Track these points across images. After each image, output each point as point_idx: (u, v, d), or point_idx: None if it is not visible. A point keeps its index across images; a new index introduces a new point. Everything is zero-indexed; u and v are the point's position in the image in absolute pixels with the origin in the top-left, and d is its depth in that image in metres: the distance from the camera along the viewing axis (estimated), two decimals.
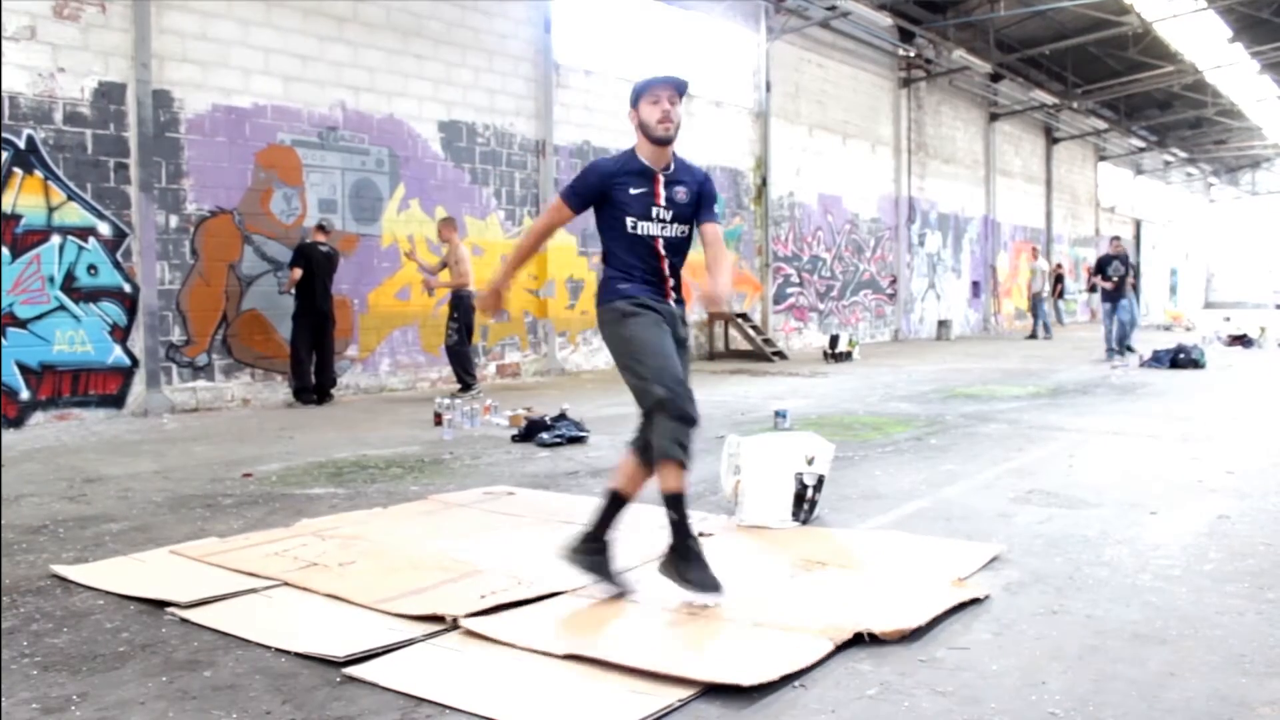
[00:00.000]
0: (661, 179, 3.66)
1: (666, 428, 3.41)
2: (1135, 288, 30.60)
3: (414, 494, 5.47)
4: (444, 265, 10.66)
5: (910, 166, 21.96)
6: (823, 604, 3.41)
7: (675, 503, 3.45)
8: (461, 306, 10.47)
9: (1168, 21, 20.64)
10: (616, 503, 3.61)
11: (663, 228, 3.64)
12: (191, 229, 9.62)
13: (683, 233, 3.70)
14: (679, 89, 3.65)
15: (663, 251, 3.65)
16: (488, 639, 3.07)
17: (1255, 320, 21.73)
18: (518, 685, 2.76)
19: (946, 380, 11.96)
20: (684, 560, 3.46)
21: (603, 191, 3.64)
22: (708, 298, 3.60)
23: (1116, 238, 15.20)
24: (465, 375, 10.50)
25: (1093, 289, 32.23)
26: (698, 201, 3.73)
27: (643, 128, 3.64)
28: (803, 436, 4.84)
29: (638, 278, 3.63)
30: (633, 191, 3.62)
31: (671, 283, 3.70)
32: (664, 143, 3.63)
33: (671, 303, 3.68)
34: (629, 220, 3.61)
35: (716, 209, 3.83)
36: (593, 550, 3.60)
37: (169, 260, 9.45)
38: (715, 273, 3.65)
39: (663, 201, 3.64)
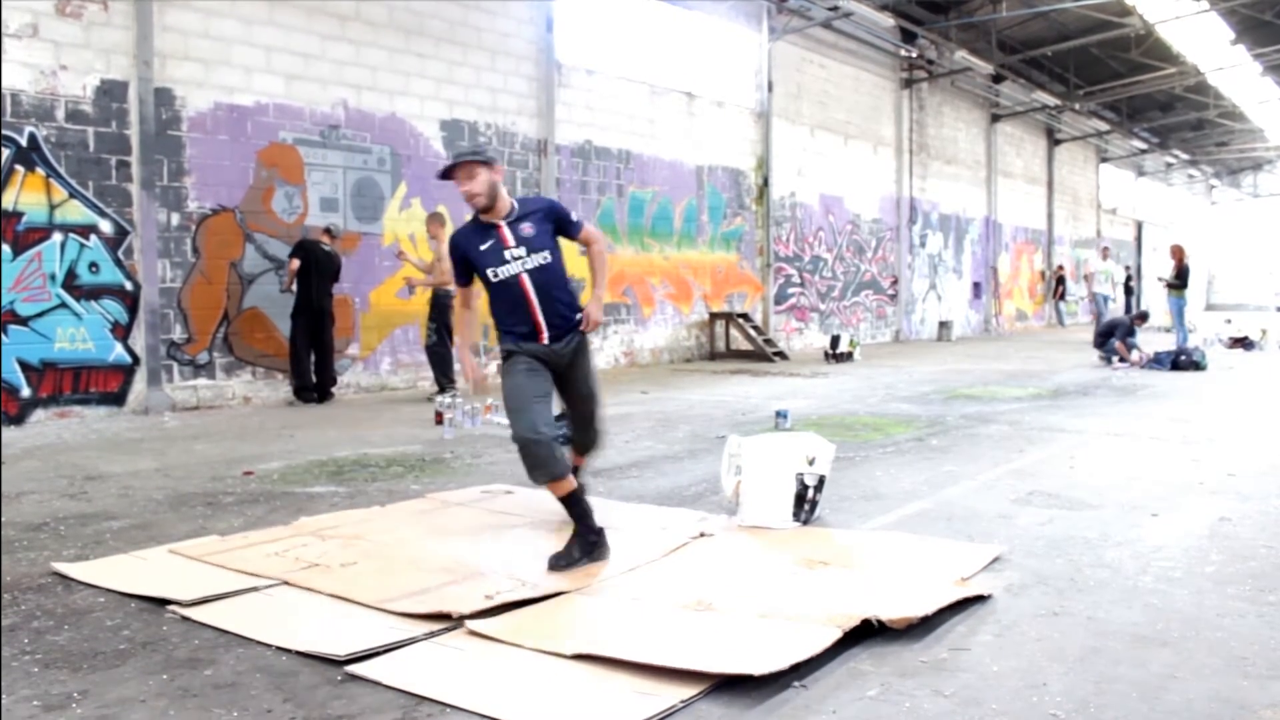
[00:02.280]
0: (504, 226, 4.13)
1: (524, 461, 4.03)
2: (1131, 291, 30.74)
3: (414, 493, 5.48)
4: (431, 265, 10.54)
5: (912, 167, 21.94)
6: (827, 597, 3.41)
7: (566, 503, 4.05)
8: (441, 306, 10.37)
9: (1170, 23, 20.63)
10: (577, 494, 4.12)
11: (521, 263, 4.09)
12: (193, 227, 9.62)
13: (545, 259, 4.12)
14: (471, 161, 4.07)
15: (529, 284, 4.08)
16: (490, 638, 3.07)
17: (1256, 322, 21.70)
18: (520, 685, 2.76)
19: (947, 381, 11.96)
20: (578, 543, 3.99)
21: (465, 257, 4.17)
22: (586, 324, 4.21)
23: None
24: (442, 377, 10.32)
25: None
26: (554, 224, 4.21)
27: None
28: (804, 437, 4.84)
29: (510, 328, 4.16)
30: (481, 248, 4.12)
31: (542, 317, 4.11)
32: (483, 211, 4.12)
33: (545, 341, 4.13)
34: (489, 272, 4.10)
35: (579, 220, 4.36)
36: (594, 544, 4.01)
37: (170, 258, 9.45)
38: (593, 287, 4.32)
39: (511, 242, 4.11)
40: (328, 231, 10.13)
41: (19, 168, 8.40)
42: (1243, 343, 18.03)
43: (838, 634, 2.98)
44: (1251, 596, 3.52)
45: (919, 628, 3.15)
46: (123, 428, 8.29)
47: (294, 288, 9.83)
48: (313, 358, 9.99)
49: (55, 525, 4.76)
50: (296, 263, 9.74)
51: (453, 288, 10.48)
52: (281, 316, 10.13)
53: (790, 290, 18.24)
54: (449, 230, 11.14)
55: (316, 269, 9.89)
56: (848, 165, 19.78)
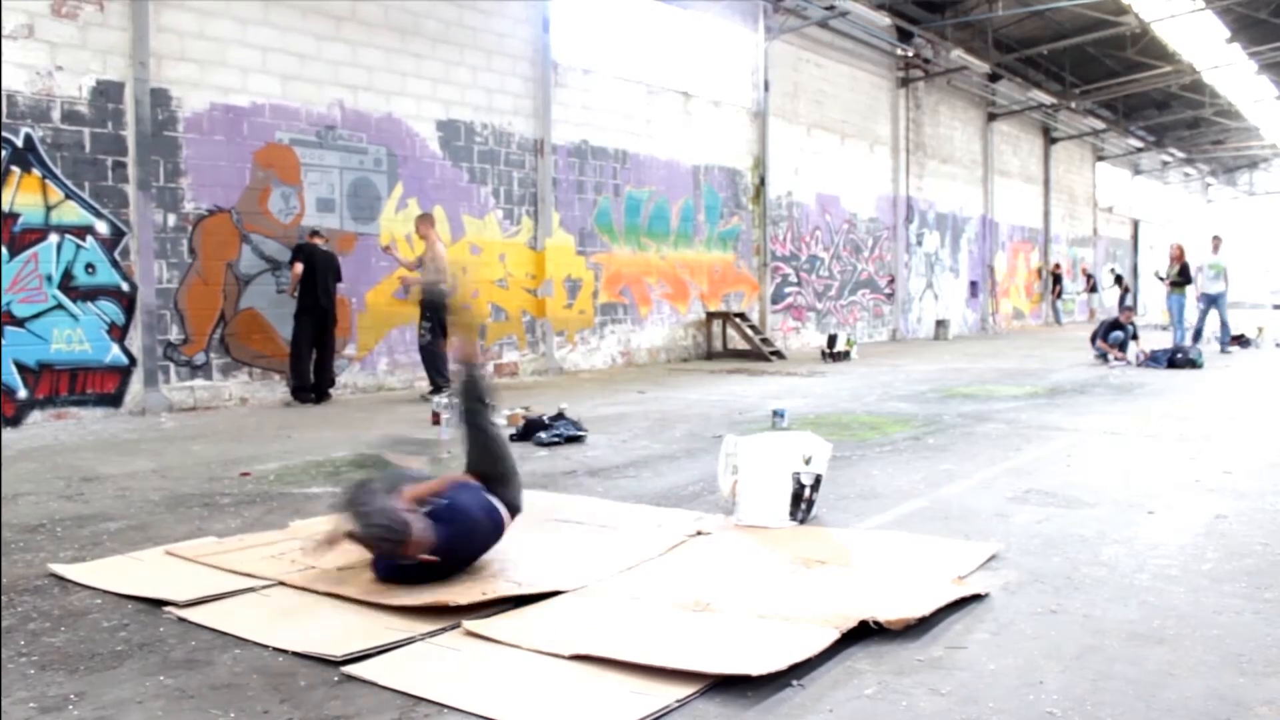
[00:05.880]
0: None
1: None
2: (1126, 289, 30.71)
3: None
4: (420, 263, 10.54)
5: (908, 166, 21.96)
6: (825, 597, 3.42)
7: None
8: (433, 305, 10.33)
9: (1166, 21, 20.65)
10: None
11: None
12: (189, 228, 9.61)
13: None
14: None
15: None
16: (487, 639, 3.07)
17: (1252, 320, 21.73)
18: (516, 685, 2.76)
19: (944, 380, 11.97)
20: None
21: None
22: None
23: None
24: (437, 376, 10.29)
25: (1093, 289, 32.35)
26: None
27: None
28: (800, 436, 4.84)
29: None
30: None
31: None
32: None
33: None
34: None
35: None
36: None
37: (167, 259, 9.44)
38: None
39: None
40: (316, 234, 10.13)
41: (15, 169, 8.38)
42: (1239, 340, 18.05)
43: (835, 635, 2.99)
44: (1248, 594, 3.52)
45: (916, 626, 3.15)
46: (119, 429, 8.28)
47: (295, 293, 9.83)
48: (313, 358, 10.00)
49: (52, 526, 4.75)
50: (300, 267, 9.75)
51: (445, 285, 10.56)
52: (278, 317, 10.12)
53: (787, 289, 18.25)
54: (440, 230, 11.13)
55: (319, 270, 9.89)
56: (844, 164, 19.79)
